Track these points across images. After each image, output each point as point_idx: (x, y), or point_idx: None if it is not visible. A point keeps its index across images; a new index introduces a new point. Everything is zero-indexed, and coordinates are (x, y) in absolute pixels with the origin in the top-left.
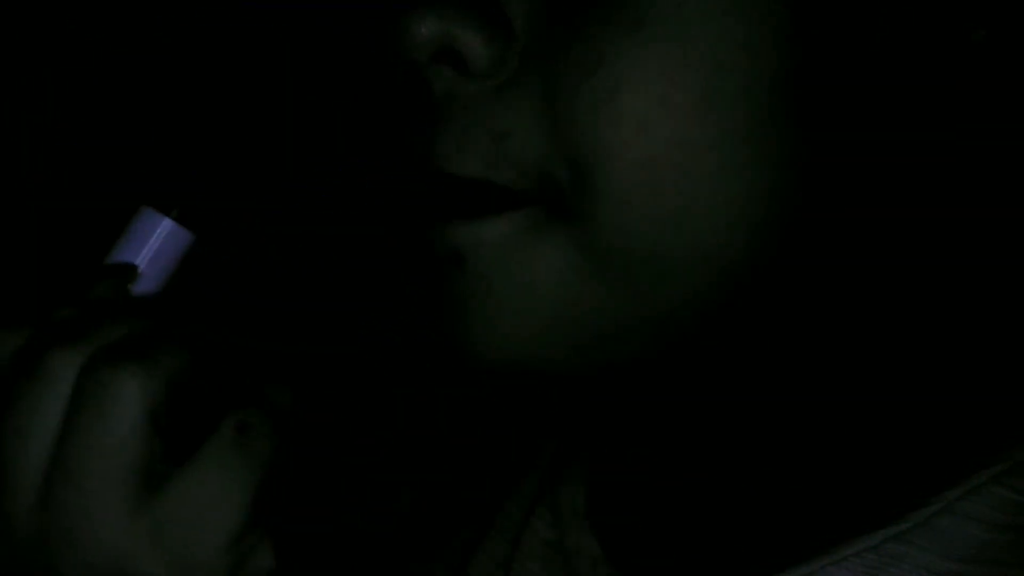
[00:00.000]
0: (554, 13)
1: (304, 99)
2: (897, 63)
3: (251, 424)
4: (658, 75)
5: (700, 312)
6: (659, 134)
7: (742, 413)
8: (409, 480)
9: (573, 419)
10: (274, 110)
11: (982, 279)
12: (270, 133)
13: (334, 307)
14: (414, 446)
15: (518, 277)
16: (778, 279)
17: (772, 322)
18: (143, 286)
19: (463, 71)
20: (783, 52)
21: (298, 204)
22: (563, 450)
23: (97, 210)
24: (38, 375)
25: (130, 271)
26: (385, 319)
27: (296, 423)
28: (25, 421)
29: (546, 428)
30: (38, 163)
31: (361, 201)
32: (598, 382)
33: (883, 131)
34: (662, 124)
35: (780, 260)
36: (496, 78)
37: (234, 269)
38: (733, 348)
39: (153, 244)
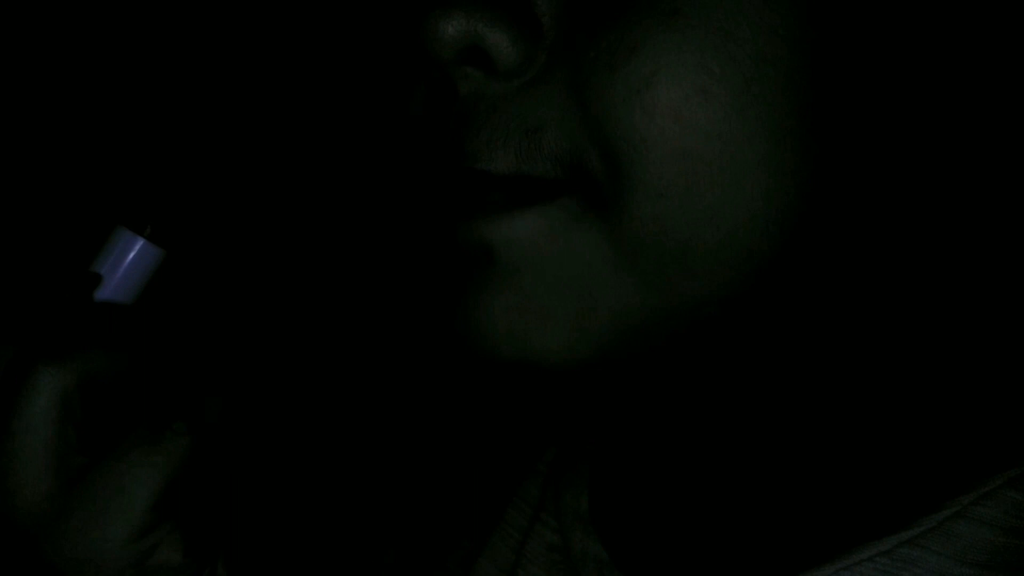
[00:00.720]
0: (581, 4)
1: (305, 99)
2: (898, 63)
3: (166, 427)
4: (697, 65)
5: (723, 307)
6: (697, 125)
7: (753, 414)
8: (410, 484)
9: (575, 421)
10: (274, 110)
11: (999, 281)
12: (270, 133)
13: (334, 307)
14: (414, 447)
15: (550, 273)
16: (800, 277)
17: (788, 320)
18: (116, 297)
19: (490, 71)
20: (819, 46)
21: (297, 205)
22: (565, 454)
23: (96, 210)
24: None
25: (94, 279)
26: (385, 319)
27: (223, 432)
28: None
29: (547, 431)
30: (38, 163)
31: (367, 200)
32: (606, 378)
33: (889, 131)
34: (700, 115)
35: (806, 258)
36: (524, 77)
37: (234, 269)
38: (748, 345)
39: (126, 261)
